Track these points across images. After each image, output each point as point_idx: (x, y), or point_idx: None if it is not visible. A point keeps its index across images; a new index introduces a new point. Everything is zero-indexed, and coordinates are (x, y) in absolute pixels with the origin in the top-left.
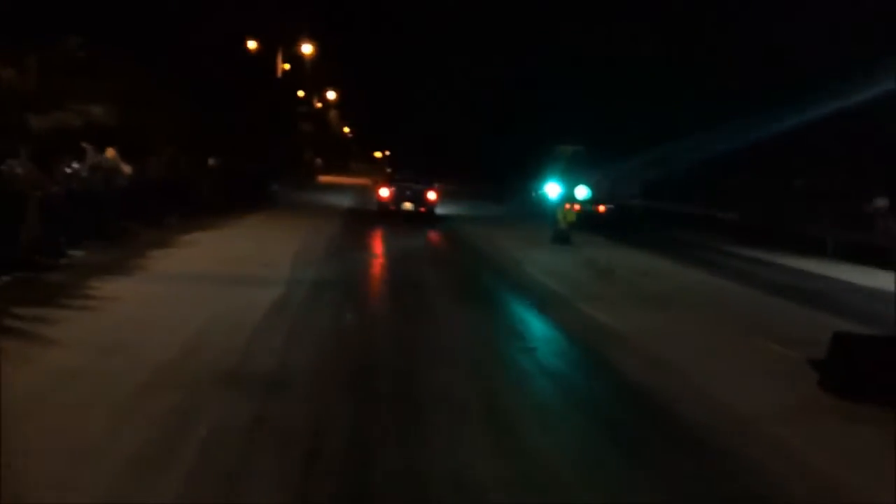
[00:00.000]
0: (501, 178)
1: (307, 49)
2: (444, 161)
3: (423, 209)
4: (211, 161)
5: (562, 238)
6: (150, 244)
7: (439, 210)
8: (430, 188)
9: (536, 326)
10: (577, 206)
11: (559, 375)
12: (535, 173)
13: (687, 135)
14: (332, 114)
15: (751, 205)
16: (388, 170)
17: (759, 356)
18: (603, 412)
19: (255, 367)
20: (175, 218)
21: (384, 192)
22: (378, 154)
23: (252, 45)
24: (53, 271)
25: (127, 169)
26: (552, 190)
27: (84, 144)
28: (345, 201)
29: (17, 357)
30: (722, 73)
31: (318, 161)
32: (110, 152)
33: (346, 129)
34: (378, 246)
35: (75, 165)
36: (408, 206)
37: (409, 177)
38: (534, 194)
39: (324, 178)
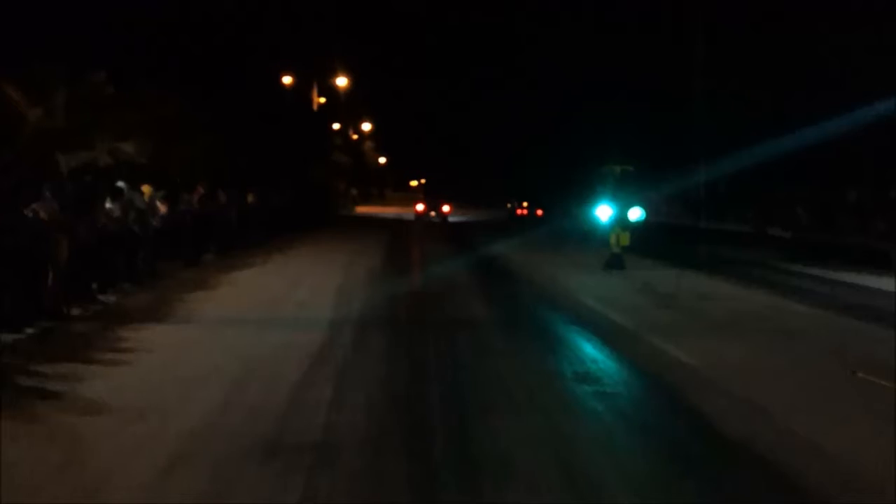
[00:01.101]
0: (543, 201)
1: (342, 82)
2: (480, 185)
3: (443, 215)
4: (249, 196)
5: (616, 263)
6: (186, 285)
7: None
8: (446, 204)
9: (608, 366)
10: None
11: (646, 428)
12: (579, 195)
13: (732, 149)
14: (367, 145)
15: (803, 219)
16: (422, 195)
17: (862, 392)
18: (710, 477)
19: (297, 434)
20: (212, 255)
21: (419, 207)
22: (414, 182)
23: (287, 79)
24: (82, 320)
25: (162, 207)
26: (603, 213)
27: (119, 183)
28: (379, 237)
29: (30, 422)
30: (765, 84)
31: (354, 192)
32: (146, 189)
33: (382, 160)
34: (421, 278)
35: (108, 206)
36: (433, 214)
37: (433, 198)
38: (580, 217)
39: (360, 209)
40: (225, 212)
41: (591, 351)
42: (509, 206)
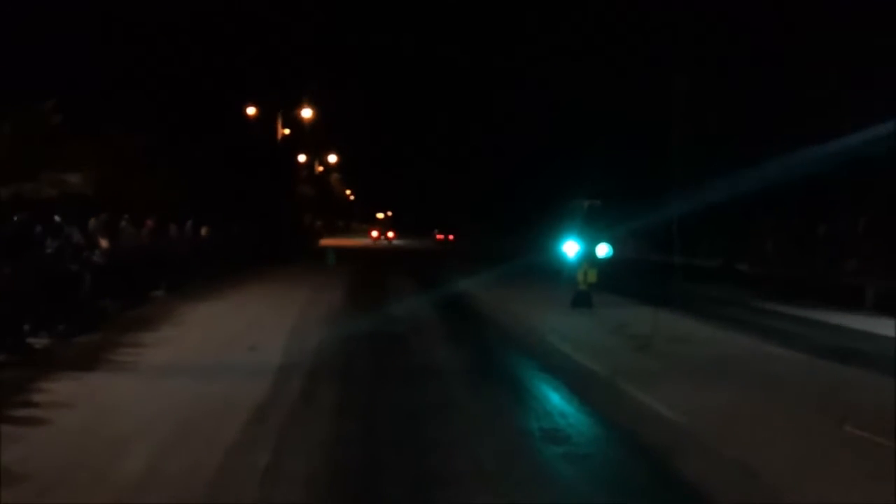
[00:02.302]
0: (510, 234)
1: (307, 113)
2: (446, 219)
3: (389, 239)
4: (203, 230)
5: (583, 301)
6: (128, 326)
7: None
8: (392, 231)
9: (578, 420)
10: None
11: (626, 499)
12: (546, 229)
13: (697, 184)
14: (334, 177)
15: (772, 253)
16: (374, 224)
17: (854, 449)
18: None
19: None
20: (162, 292)
21: (374, 234)
22: (380, 215)
23: (251, 110)
24: (4, 368)
25: (104, 242)
26: (570, 248)
27: (56, 217)
28: (342, 270)
29: None
30: (736, 117)
31: (319, 223)
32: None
33: (349, 192)
34: (380, 316)
35: (48, 241)
36: (382, 239)
37: (385, 227)
38: (548, 252)
39: (325, 241)
40: (176, 246)
41: (559, 402)
42: (435, 232)
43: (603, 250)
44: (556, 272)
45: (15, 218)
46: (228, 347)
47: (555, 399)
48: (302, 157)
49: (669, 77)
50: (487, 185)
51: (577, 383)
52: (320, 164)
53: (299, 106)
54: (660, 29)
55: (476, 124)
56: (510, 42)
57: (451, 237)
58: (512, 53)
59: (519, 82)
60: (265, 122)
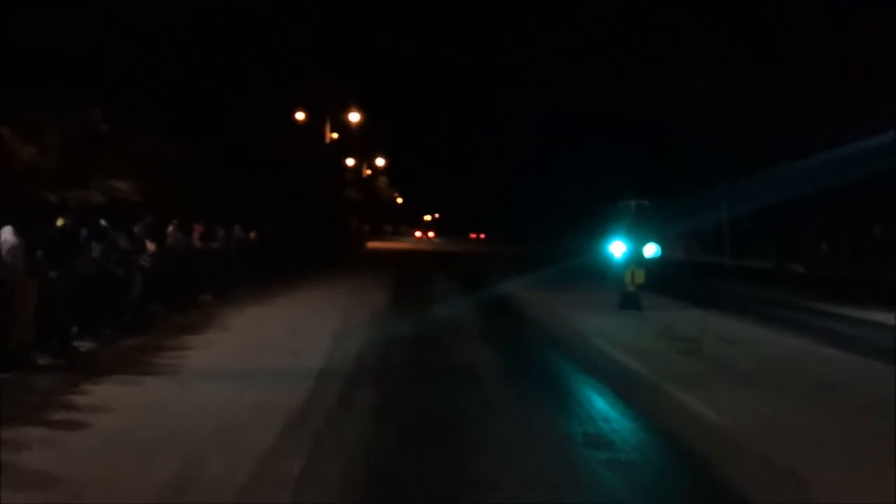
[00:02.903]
0: (554, 236)
1: (355, 117)
2: (492, 220)
3: (430, 238)
4: (252, 233)
5: (631, 302)
6: (175, 330)
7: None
8: (432, 231)
9: (624, 426)
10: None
11: None
12: (589, 230)
13: (747, 183)
14: (382, 180)
15: (826, 254)
16: (421, 227)
17: None
18: None
19: None
20: (210, 296)
21: (418, 234)
22: (428, 217)
23: (300, 115)
24: (48, 371)
25: (151, 246)
26: (617, 249)
27: (102, 222)
28: (388, 274)
29: None
30: (790, 115)
31: (366, 228)
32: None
33: (396, 196)
34: (422, 319)
35: (94, 245)
36: (426, 236)
37: (427, 229)
38: (593, 253)
39: (372, 244)
40: (224, 251)
41: (603, 407)
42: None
43: (651, 250)
44: (601, 273)
45: (61, 222)
46: (271, 352)
47: (599, 403)
48: (350, 162)
49: (707, 73)
50: (525, 186)
51: (623, 387)
52: (368, 168)
53: (347, 110)
54: (694, 22)
55: (514, 126)
56: (536, 42)
57: (482, 236)
58: (545, 50)
59: (548, 82)
60: (313, 126)
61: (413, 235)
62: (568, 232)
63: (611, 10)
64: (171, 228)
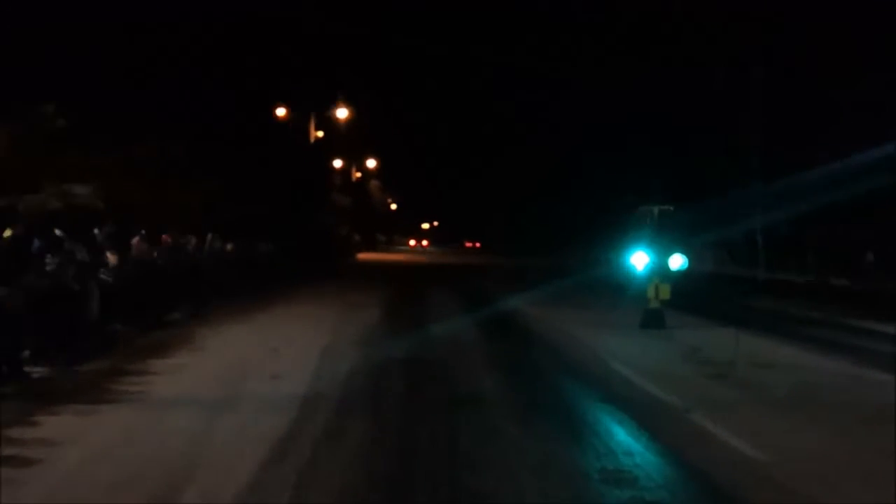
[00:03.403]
0: (566, 246)
1: (342, 113)
2: (477, 229)
3: (423, 247)
4: (228, 245)
5: (654, 321)
6: (140, 352)
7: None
8: (426, 240)
9: (648, 461)
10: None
11: None
12: (608, 240)
13: (784, 185)
14: (373, 184)
15: (873, 268)
16: (418, 235)
17: None
18: None
19: None
20: (180, 314)
21: (412, 242)
22: (426, 225)
23: (281, 111)
24: None
25: (113, 258)
26: (639, 260)
27: (57, 231)
28: (380, 289)
29: None
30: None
31: (356, 237)
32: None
33: (390, 202)
34: (419, 339)
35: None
36: (418, 246)
37: (421, 238)
38: (609, 264)
39: (363, 255)
40: (197, 263)
41: (624, 439)
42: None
43: (677, 262)
44: (620, 288)
45: (9, 232)
46: (249, 376)
47: (619, 435)
48: (337, 163)
49: (743, 69)
50: (531, 192)
51: (646, 417)
52: (358, 170)
53: (334, 106)
54: (729, 22)
55: (517, 126)
56: (543, 41)
57: (477, 244)
58: (544, 52)
59: (564, 81)
60: (297, 124)
61: (407, 243)
62: (582, 241)
63: (631, 7)
64: (136, 239)
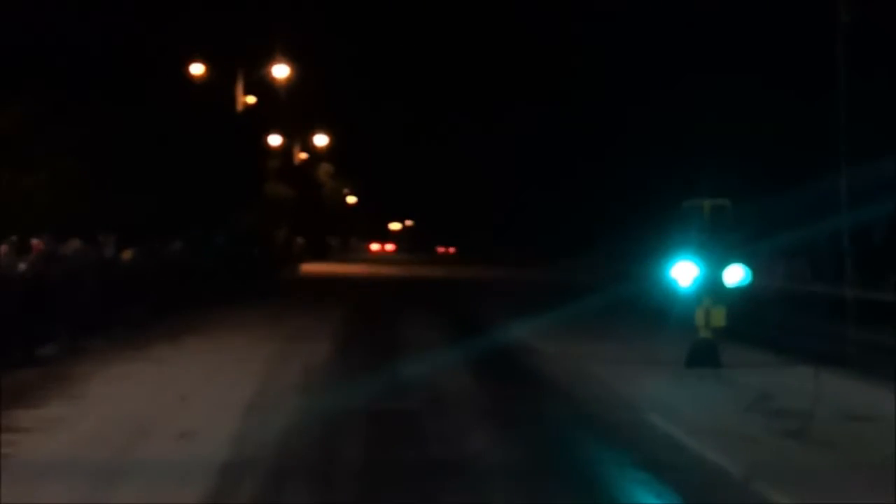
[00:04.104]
0: (583, 252)
1: (282, 71)
2: (489, 230)
3: (388, 252)
4: (125, 252)
5: (705, 356)
6: (2, 399)
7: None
8: (392, 244)
9: None
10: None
11: None
12: (642, 246)
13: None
14: (324, 169)
15: None
16: (383, 238)
17: None
18: None
19: None
20: (56, 347)
21: (374, 247)
22: (396, 226)
23: (197, 68)
24: None
25: None
26: (684, 273)
27: None
28: (329, 312)
29: None
30: None
31: (299, 240)
32: None
33: (348, 194)
34: (389, 383)
35: None
36: (383, 250)
37: (382, 242)
38: (646, 280)
39: (309, 267)
40: (81, 278)
41: None
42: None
43: (735, 276)
44: (659, 311)
45: None
46: (148, 433)
47: None
48: (274, 140)
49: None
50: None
51: (695, 489)
52: (303, 150)
53: (270, 62)
54: None
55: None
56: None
57: (451, 250)
58: None
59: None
60: (218, 85)
61: (367, 248)
62: (600, 247)
63: None
64: (3, 247)
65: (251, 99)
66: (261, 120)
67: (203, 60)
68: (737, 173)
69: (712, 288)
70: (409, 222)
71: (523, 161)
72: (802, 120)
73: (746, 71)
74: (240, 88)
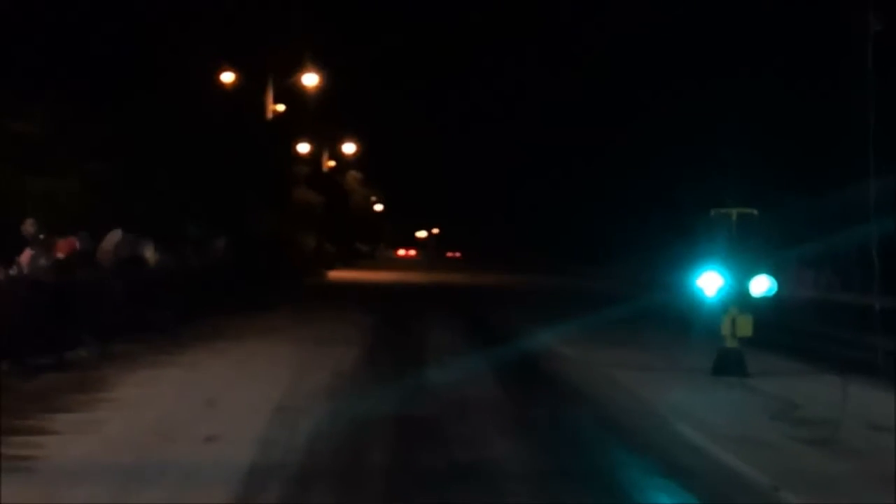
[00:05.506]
0: (609, 260)
1: (311, 80)
2: (515, 237)
3: (411, 257)
4: (149, 253)
5: (731, 365)
6: (29, 403)
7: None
8: (415, 249)
9: None
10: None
11: None
12: (668, 255)
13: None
14: (351, 176)
15: None
16: (410, 246)
17: None
18: None
19: None
20: (86, 350)
21: (401, 252)
22: (422, 234)
23: (228, 76)
24: None
25: None
26: (710, 283)
27: None
28: (360, 318)
29: None
30: None
31: (330, 248)
32: None
33: (376, 202)
34: (415, 389)
35: None
36: (407, 254)
37: (406, 248)
38: (671, 288)
39: (336, 273)
40: (109, 281)
41: None
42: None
43: (762, 286)
44: (684, 320)
45: None
46: (176, 437)
47: None
48: (303, 147)
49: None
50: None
51: (720, 496)
52: (331, 158)
53: (300, 71)
54: None
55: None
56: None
57: (458, 254)
58: None
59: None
60: (248, 94)
61: (394, 253)
62: (627, 256)
63: None
64: (27, 251)
65: (281, 107)
66: (290, 126)
67: (234, 69)
68: (764, 181)
69: (738, 297)
70: (435, 230)
71: (542, 168)
72: (830, 127)
73: (773, 77)
74: (269, 96)
